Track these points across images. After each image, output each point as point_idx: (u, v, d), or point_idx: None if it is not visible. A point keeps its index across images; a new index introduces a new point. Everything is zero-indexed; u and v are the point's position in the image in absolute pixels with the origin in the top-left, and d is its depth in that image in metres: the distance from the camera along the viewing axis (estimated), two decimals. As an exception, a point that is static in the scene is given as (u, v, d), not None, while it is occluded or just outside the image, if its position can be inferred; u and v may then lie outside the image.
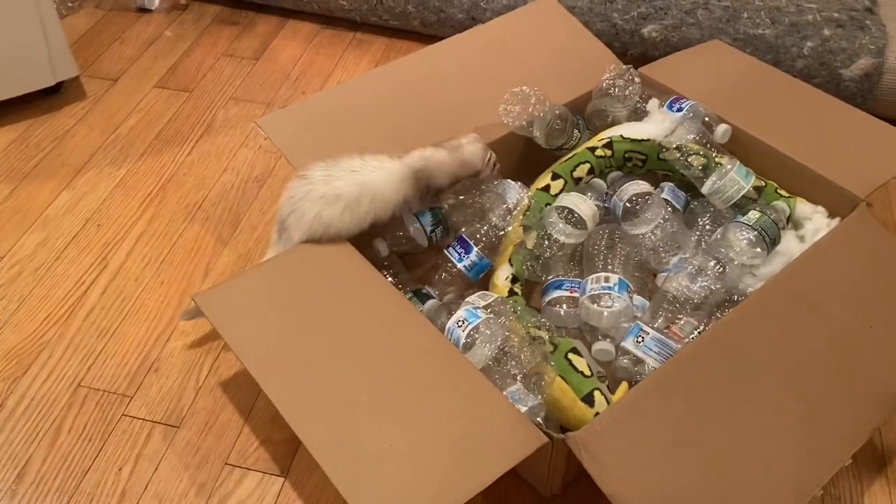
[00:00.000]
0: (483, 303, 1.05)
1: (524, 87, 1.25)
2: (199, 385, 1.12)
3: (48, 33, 1.52)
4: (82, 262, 1.30)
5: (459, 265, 1.14)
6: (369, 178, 1.09)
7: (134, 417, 1.08)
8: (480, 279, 1.17)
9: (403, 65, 1.37)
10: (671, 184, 1.27)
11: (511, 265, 1.15)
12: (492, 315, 0.99)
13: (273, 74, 1.73)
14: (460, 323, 0.99)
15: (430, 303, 1.12)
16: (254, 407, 1.09)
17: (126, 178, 1.46)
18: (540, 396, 0.96)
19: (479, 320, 0.98)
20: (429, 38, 1.47)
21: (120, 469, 1.02)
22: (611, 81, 1.31)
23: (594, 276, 1.10)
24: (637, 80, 1.32)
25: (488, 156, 1.17)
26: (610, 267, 1.13)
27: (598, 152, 1.26)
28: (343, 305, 1.01)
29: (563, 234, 1.15)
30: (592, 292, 1.08)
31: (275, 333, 0.97)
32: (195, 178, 1.46)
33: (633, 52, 1.65)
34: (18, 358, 1.15)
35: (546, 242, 1.16)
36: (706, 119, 1.28)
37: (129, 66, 1.74)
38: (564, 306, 1.11)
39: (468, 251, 1.14)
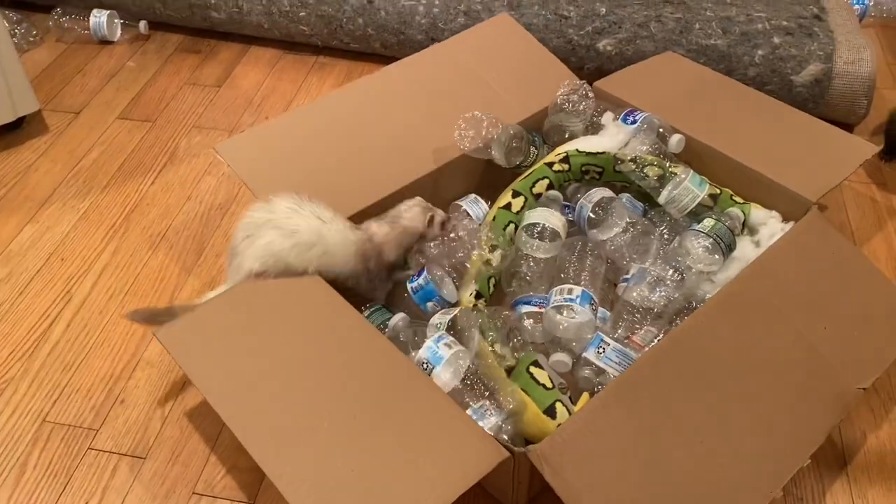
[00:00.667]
0: (447, 317, 1.06)
1: (476, 112, 1.27)
2: (166, 415, 1.12)
3: (7, 69, 1.52)
4: (46, 296, 1.29)
5: (409, 286, 1.14)
6: (328, 234, 1.08)
7: (100, 451, 1.08)
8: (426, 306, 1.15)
9: (361, 86, 1.39)
10: (628, 195, 1.29)
11: (476, 283, 1.16)
12: (454, 351, 0.99)
13: (236, 101, 1.74)
14: (424, 365, 0.99)
15: (396, 317, 1.12)
16: (220, 435, 1.09)
17: (89, 210, 1.46)
18: (505, 412, 0.96)
19: (442, 362, 0.98)
20: (389, 60, 1.48)
21: (87, 503, 1.02)
22: (565, 97, 1.33)
23: (558, 287, 1.11)
24: (591, 94, 1.34)
25: (428, 216, 1.16)
26: (578, 279, 1.14)
27: (556, 167, 1.28)
28: (303, 332, 1.02)
29: (541, 250, 1.17)
30: (556, 304, 1.09)
31: (235, 363, 0.98)
32: (159, 208, 1.46)
33: (590, 66, 1.68)
34: (-18, 396, 1.14)
35: (523, 262, 1.17)
36: (660, 130, 1.30)
37: (92, 99, 1.74)
38: (532, 321, 1.12)
39: (420, 274, 1.14)
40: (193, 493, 1.03)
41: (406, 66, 1.43)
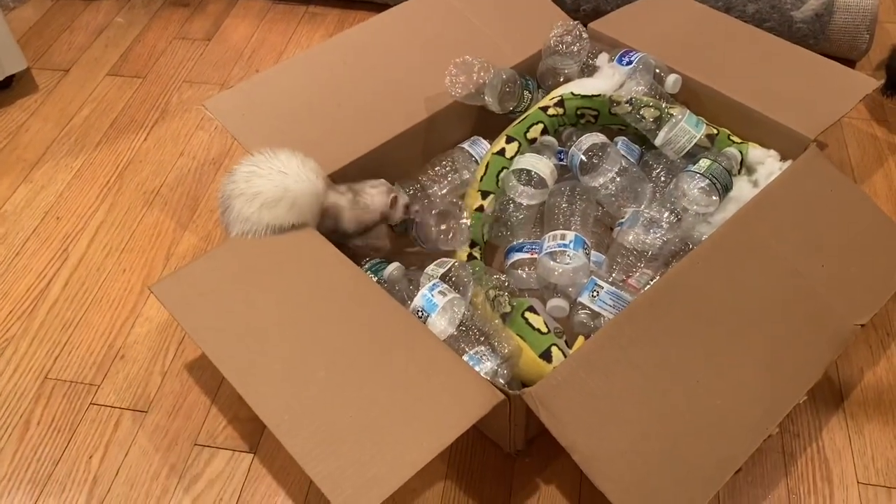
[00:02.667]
0: (441, 270, 1.06)
1: (466, 57, 1.24)
2: (166, 369, 1.13)
3: (-8, 27, 1.50)
4: (43, 255, 1.29)
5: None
6: (294, 185, 1.05)
7: (102, 405, 1.09)
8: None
9: (350, 36, 1.36)
10: (625, 138, 1.27)
11: (470, 230, 1.15)
12: (449, 298, 0.99)
13: (226, 54, 1.71)
14: (419, 313, 0.99)
15: (390, 267, 1.12)
16: (220, 387, 1.10)
17: (83, 168, 1.45)
18: (501, 357, 0.97)
19: (436, 310, 0.98)
20: (381, 7, 1.46)
21: (91, 457, 1.03)
22: (558, 39, 1.30)
23: (551, 233, 1.11)
24: (584, 35, 1.31)
25: (391, 198, 1.12)
26: (569, 224, 1.13)
27: (551, 111, 1.26)
28: (298, 282, 1.01)
29: (526, 196, 1.16)
30: (549, 250, 1.09)
31: (231, 316, 0.98)
32: (152, 164, 1.45)
33: (586, 7, 1.64)
34: (-17, 355, 1.15)
35: (511, 207, 1.16)
36: (657, 70, 1.28)
37: (81, 56, 1.72)
38: (526, 268, 1.12)
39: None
40: (195, 444, 1.04)
41: (397, 13, 1.40)
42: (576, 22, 1.33)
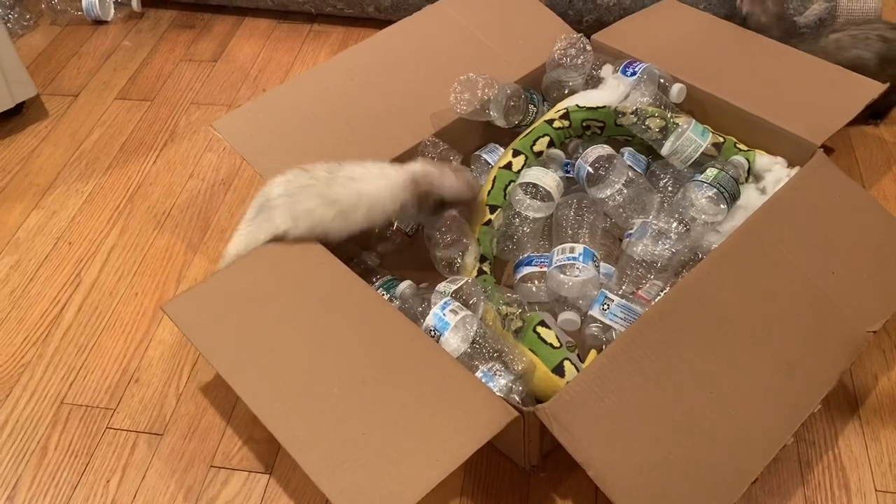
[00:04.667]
0: (453, 287, 1.06)
1: (471, 74, 1.25)
2: (180, 391, 1.13)
3: (2, 55, 1.52)
4: (56, 280, 1.30)
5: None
6: (368, 188, 1.09)
7: (118, 429, 1.09)
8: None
9: (356, 53, 1.37)
10: (631, 148, 1.28)
11: (479, 245, 1.16)
12: (461, 317, 1.00)
13: (233, 75, 1.73)
14: (432, 332, 0.99)
15: (402, 285, 1.13)
16: (234, 408, 1.10)
17: (94, 193, 1.46)
18: (515, 373, 0.97)
19: (449, 328, 0.98)
20: (385, 24, 1.46)
21: (108, 481, 1.04)
22: (562, 52, 1.31)
23: (560, 246, 1.11)
24: (588, 47, 1.32)
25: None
26: (577, 237, 1.13)
27: (556, 124, 1.26)
28: (310, 300, 1.02)
29: (532, 209, 1.16)
30: (559, 263, 1.09)
31: (244, 335, 0.98)
32: (162, 187, 1.46)
33: (588, 18, 1.65)
34: (0, 382, 1.16)
35: (517, 220, 1.16)
36: (661, 80, 1.28)
37: (89, 80, 1.74)
38: (536, 282, 1.12)
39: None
40: (212, 466, 1.04)
41: (401, 28, 1.41)
42: (579, 34, 1.34)
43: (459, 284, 1.07)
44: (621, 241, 1.19)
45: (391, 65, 1.35)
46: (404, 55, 1.37)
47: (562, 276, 1.07)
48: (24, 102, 1.63)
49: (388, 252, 1.23)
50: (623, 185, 1.16)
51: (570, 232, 1.14)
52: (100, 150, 1.56)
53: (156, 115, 1.63)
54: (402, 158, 1.22)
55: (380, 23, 1.77)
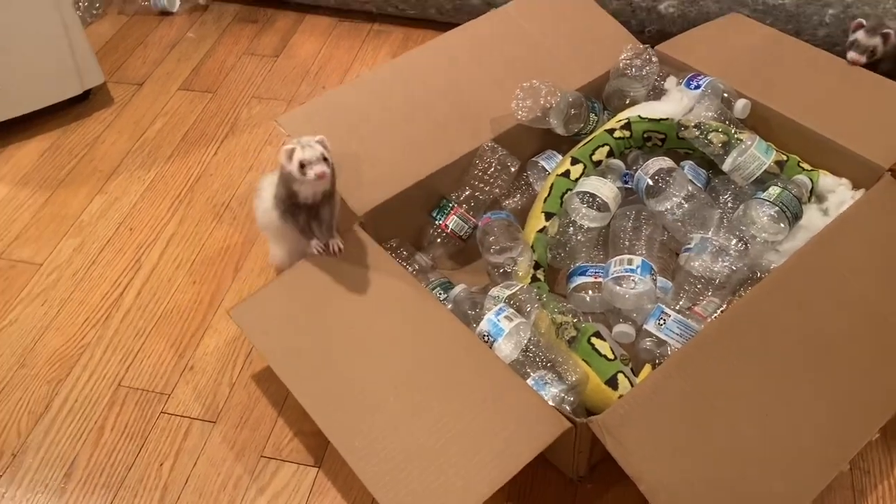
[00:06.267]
0: (507, 293, 1.07)
1: (534, 81, 1.25)
2: (234, 381, 1.15)
3: (73, 43, 1.56)
4: (117, 265, 1.34)
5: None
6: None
7: (172, 414, 1.12)
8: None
9: (418, 55, 1.38)
10: (691, 162, 1.26)
11: (534, 252, 1.16)
12: (515, 324, 1.00)
13: (293, 71, 1.75)
14: (485, 338, 1.00)
15: (457, 288, 1.14)
16: (286, 400, 1.12)
17: (155, 181, 1.49)
18: (568, 383, 0.97)
19: (503, 335, 0.99)
20: (446, 26, 1.47)
21: (161, 464, 1.06)
22: (628, 62, 1.30)
23: (617, 258, 1.11)
24: (654, 59, 1.31)
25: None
26: (634, 249, 1.13)
27: (617, 133, 1.26)
28: (368, 305, 1.04)
29: (587, 218, 1.16)
30: (616, 275, 1.09)
31: (305, 341, 1.01)
32: (222, 178, 1.49)
33: (651, 28, 1.64)
34: (61, 361, 1.19)
35: (571, 229, 1.16)
36: (725, 95, 1.27)
37: (154, 70, 1.78)
38: (590, 292, 1.12)
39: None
40: (262, 456, 1.06)
41: (462, 33, 1.42)
42: (646, 45, 1.33)
43: (513, 290, 1.07)
44: (677, 255, 1.18)
45: (453, 68, 1.35)
46: (467, 58, 1.37)
47: (618, 287, 1.07)
48: (91, 89, 1.67)
49: (442, 255, 1.24)
50: (683, 198, 1.15)
51: (626, 244, 1.14)
52: (162, 139, 1.59)
53: (218, 106, 1.66)
54: (460, 162, 1.23)
55: (440, 25, 1.78)
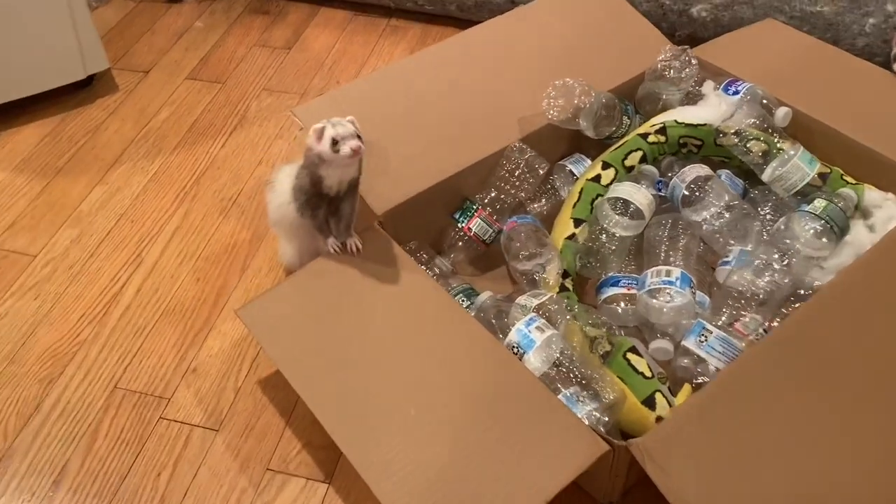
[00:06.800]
0: (535, 302, 1.00)
1: (567, 79, 1.19)
2: (239, 386, 1.08)
3: (78, 26, 1.49)
4: (117, 258, 1.26)
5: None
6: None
7: (172, 420, 1.04)
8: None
9: (439, 51, 1.32)
10: (728, 171, 1.20)
11: (562, 259, 1.09)
12: (547, 335, 0.93)
13: (306, 63, 1.69)
14: (515, 349, 0.93)
15: (483, 296, 1.07)
16: (295, 408, 1.05)
17: (159, 172, 1.42)
18: (605, 403, 0.90)
19: (534, 347, 0.92)
20: (466, 24, 1.41)
21: (159, 474, 0.99)
22: (666, 63, 1.24)
23: (654, 269, 1.04)
24: (694, 61, 1.25)
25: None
26: (671, 260, 1.06)
27: (651, 138, 1.19)
28: (386, 310, 0.97)
29: (620, 226, 1.10)
30: (652, 287, 1.02)
31: (318, 345, 0.94)
32: (230, 172, 1.42)
33: (682, 32, 1.58)
34: (54, 358, 1.12)
35: (603, 237, 1.10)
36: (764, 102, 1.21)
37: (161, 58, 1.71)
38: (622, 304, 1.05)
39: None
40: (268, 469, 0.99)
41: (486, 30, 1.36)
42: (685, 47, 1.27)
43: (542, 300, 1.00)
44: (713, 268, 1.12)
45: (479, 64, 1.29)
46: (492, 55, 1.31)
47: (654, 300, 1.00)
48: (94, 75, 1.60)
49: (462, 259, 1.18)
50: (723, 208, 1.08)
51: (661, 255, 1.07)
52: (168, 129, 1.52)
53: (226, 98, 1.59)
54: (486, 162, 1.17)
55: (460, 22, 1.73)
